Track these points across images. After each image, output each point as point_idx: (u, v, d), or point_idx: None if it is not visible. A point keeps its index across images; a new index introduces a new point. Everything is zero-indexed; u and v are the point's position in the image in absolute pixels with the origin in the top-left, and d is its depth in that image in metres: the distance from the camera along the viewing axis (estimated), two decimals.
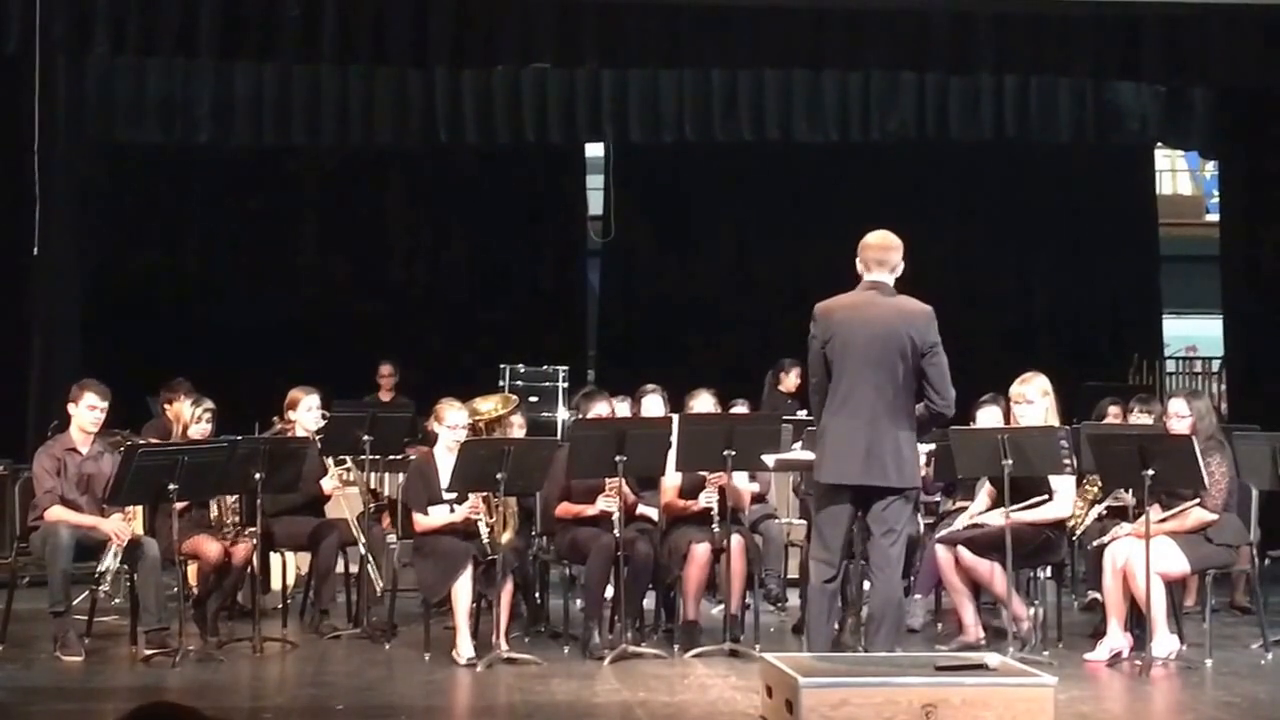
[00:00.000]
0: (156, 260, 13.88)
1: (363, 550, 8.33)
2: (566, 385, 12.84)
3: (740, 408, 10.10)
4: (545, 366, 13.03)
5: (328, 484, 8.48)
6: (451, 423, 7.94)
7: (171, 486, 7.26)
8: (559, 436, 11.10)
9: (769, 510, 9.19)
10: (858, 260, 6.74)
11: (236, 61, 12.86)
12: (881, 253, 6.70)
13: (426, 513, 7.80)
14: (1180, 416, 7.62)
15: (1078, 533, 8.39)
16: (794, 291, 13.16)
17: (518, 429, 9.01)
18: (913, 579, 8.22)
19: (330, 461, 8.52)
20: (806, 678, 5.72)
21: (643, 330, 14.84)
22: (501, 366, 12.83)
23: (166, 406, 9.90)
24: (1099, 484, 8.40)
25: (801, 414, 10.13)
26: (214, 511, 8.04)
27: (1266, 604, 8.20)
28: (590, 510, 7.95)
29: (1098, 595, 8.21)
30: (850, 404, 6.56)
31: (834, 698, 5.66)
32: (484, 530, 7.68)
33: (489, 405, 8.47)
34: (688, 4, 11.80)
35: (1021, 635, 7.69)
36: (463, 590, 7.53)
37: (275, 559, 8.78)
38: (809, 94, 13.84)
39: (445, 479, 7.69)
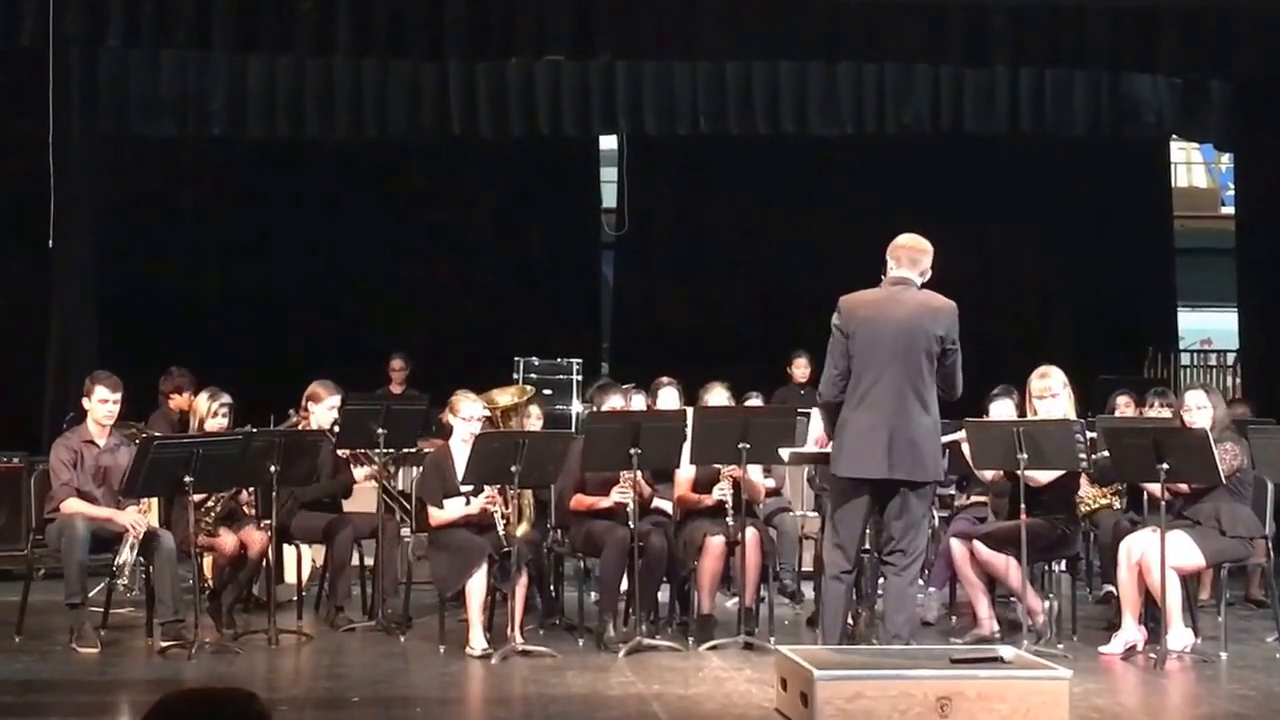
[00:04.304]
0: (171, 253, 13.89)
1: (383, 530, 8.33)
2: (580, 378, 12.86)
3: (754, 401, 10.09)
4: (559, 359, 13.03)
5: (360, 473, 8.51)
6: (466, 415, 7.93)
7: (187, 479, 7.27)
8: (573, 429, 11.09)
9: (784, 504, 9.19)
10: (887, 257, 6.77)
11: (250, 54, 12.88)
12: (912, 253, 6.77)
13: (442, 506, 7.80)
14: (1200, 408, 7.59)
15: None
16: (809, 284, 13.16)
17: (535, 421, 9.02)
18: (928, 572, 8.21)
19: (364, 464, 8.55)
20: (821, 670, 5.73)
21: (656, 323, 14.82)
22: (516, 359, 12.84)
23: (171, 397, 9.93)
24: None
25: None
26: (244, 496, 8.08)
27: None
28: (605, 502, 7.95)
29: (1112, 588, 8.20)
30: (872, 398, 6.58)
31: (849, 690, 5.67)
32: (499, 523, 7.68)
33: (506, 398, 8.48)
34: None
35: (1036, 628, 7.69)
36: (477, 584, 7.53)
37: (290, 551, 8.80)
38: (824, 86, 13.83)
39: (460, 471, 7.68)
